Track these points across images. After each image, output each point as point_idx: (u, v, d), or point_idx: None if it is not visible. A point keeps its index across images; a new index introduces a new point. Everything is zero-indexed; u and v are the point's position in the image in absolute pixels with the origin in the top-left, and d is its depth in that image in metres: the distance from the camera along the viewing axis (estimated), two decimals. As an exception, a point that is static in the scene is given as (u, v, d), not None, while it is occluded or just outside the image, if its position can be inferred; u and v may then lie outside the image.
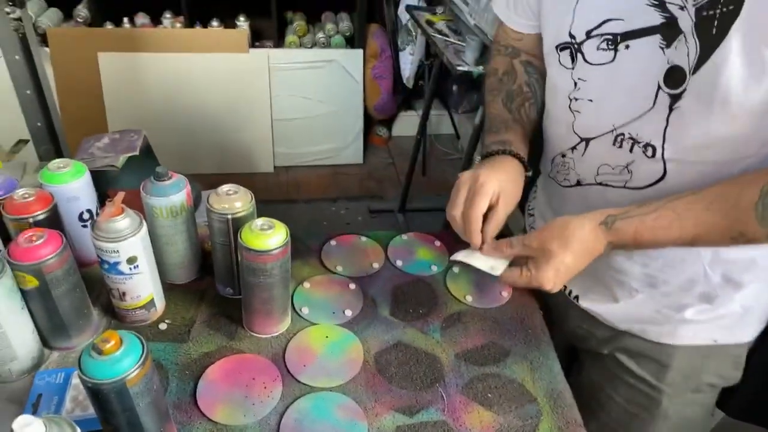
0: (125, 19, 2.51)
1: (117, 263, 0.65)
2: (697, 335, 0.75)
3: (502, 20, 0.86)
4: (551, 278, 0.65)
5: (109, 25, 2.49)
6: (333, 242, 0.90)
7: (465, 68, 1.63)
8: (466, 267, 0.77)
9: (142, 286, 0.69)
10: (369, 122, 2.98)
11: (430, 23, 2.02)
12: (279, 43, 2.61)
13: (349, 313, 0.77)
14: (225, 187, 0.72)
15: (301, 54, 2.62)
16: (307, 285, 0.81)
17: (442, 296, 0.82)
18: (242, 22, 2.55)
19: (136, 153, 1.04)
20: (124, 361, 0.49)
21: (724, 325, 0.75)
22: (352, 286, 0.81)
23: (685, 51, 0.59)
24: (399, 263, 0.86)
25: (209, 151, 2.67)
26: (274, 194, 2.61)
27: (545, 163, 0.85)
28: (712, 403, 0.83)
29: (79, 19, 2.47)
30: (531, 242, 0.67)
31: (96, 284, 0.75)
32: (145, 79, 2.45)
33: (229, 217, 0.71)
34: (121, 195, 0.66)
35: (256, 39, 2.66)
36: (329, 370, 0.68)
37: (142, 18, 2.54)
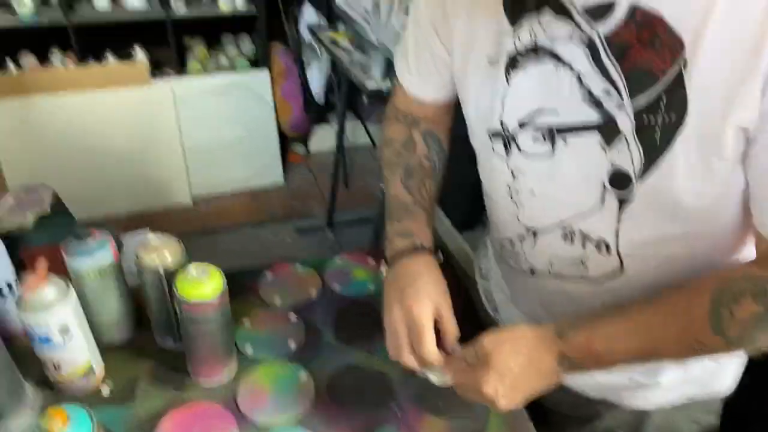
0: (8, 62, 2.35)
1: (48, 335, 0.63)
2: (672, 396, 0.75)
3: (403, 86, 0.81)
4: (492, 384, 0.58)
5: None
6: (268, 275, 0.91)
7: (374, 86, 1.67)
8: None
9: (77, 354, 0.67)
10: (285, 141, 2.97)
11: (334, 42, 2.05)
12: (181, 70, 2.55)
13: (293, 345, 0.78)
14: (151, 237, 0.71)
15: (205, 80, 2.57)
16: (247, 323, 0.82)
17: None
18: (139, 53, 2.47)
19: (46, 209, 1.00)
20: (74, 438, 0.48)
21: (700, 383, 0.75)
22: (293, 317, 0.82)
23: (628, 156, 0.56)
24: (337, 287, 0.88)
25: (122, 190, 2.56)
26: (196, 226, 2.55)
27: (493, 241, 0.83)
28: None
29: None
30: (478, 349, 0.61)
31: (25, 357, 0.71)
32: (41, 124, 2.31)
33: (161, 269, 0.70)
34: (43, 263, 0.64)
35: (156, 69, 2.58)
36: (283, 406, 0.69)
37: (27, 57, 2.39)
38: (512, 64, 0.61)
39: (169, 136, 2.57)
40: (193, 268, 0.67)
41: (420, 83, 0.79)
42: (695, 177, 0.53)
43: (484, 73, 0.65)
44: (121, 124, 2.46)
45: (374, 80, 1.71)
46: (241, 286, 0.88)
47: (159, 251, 0.70)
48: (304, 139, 3.13)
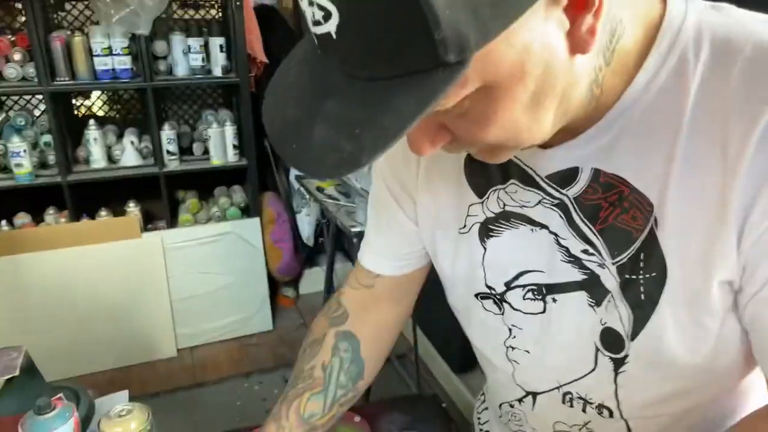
0: (3, 222, 2.40)
1: None
2: None
3: (363, 266, 0.75)
4: None
5: (-16, 230, 2.36)
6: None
7: (358, 229, 1.73)
8: None
9: None
10: (274, 286, 2.95)
11: (320, 189, 2.13)
12: (173, 222, 2.61)
13: None
14: (117, 408, 0.67)
15: (195, 230, 2.62)
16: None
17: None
18: (132, 208, 2.53)
19: (16, 373, 0.95)
20: None
21: None
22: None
23: (617, 315, 0.55)
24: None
25: (105, 346, 2.48)
26: (181, 380, 2.43)
27: (491, 404, 0.78)
28: None
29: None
30: None
31: None
32: (30, 281, 2.30)
33: (125, 443, 0.64)
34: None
35: (149, 221, 2.64)
36: None
37: (22, 218, 2.44)
38: (485, 231, 0.61)
39: (156, 287, 2.56)
40: (159, 441, 0.61)
41: (380, 258, 0.75)
42: (686, 333, 0.52)
43: (456, 241, 0.64)
44: (110, 277, 2.45)
45: (360, 224, 1.77)
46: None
47: (123, 422, 0.65)
48: (295, 283, 3.12)
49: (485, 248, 0.61)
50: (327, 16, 0.36)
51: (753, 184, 0.45)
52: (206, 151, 2.62)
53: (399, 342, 0.80)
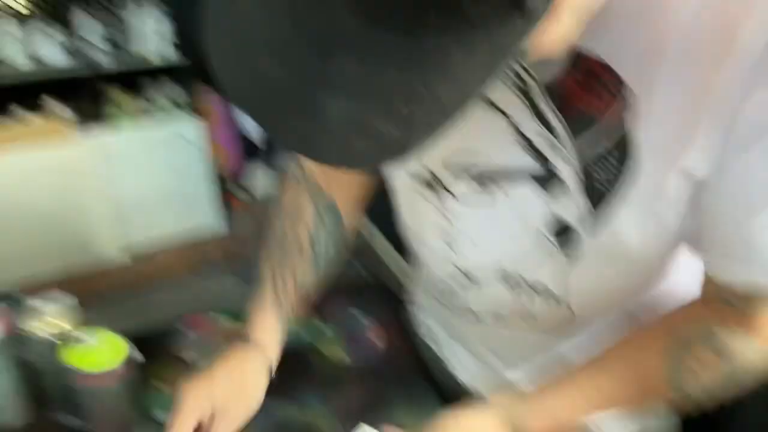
0: None
1: None
2: None
3: None
4: None
5: None
6: (190, 333, 0.84)
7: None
8: (336, 325, 0.74)
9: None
10: (224, 186, 2.88)
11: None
12: (103, 122, 2.46)
13: (218, 406, 0.70)
14: (38, 302, 0.64)
15: (132, 131, 2.48)
16: (164, 388, 0.74)
17: (317, 363, 0.79)
18: (59, 108, 2.36)
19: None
20: None
21: None
22: (217, 375, 0.75)
23: (574, 208, 0.54)
24: (265, 337, 0.82)
25: (47, 252, 2.40)
26: (130, 284, 2.41)
27: (424, 281, 0.77)
28: None
29: None
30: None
31: None
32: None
33: (53, 339, 0.62)
34: None
35: (79, 123, 2.48)
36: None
37: (-64, 122, 2.25)
38: None
39: (97, 191, 2.45)
40: (88, 335, 0.60)
41: None
42: (647, 228, 0.51)
43: None
44: (44, 182, 2.33)
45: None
46: (158, 348, 0.80)
47: (49, 316, 0.62)
48: (244, 183, 3.05)
49: None
50: None
51: (754, 78, 0.43)
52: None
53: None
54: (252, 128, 2.81)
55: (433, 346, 0.85)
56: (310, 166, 0.74)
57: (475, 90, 0.28)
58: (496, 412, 0.57)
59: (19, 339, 0.73)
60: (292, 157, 0.77)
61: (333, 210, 0.72)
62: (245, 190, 3.05)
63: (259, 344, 0.66)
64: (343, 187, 0.73)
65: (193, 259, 2.82)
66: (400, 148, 0.29)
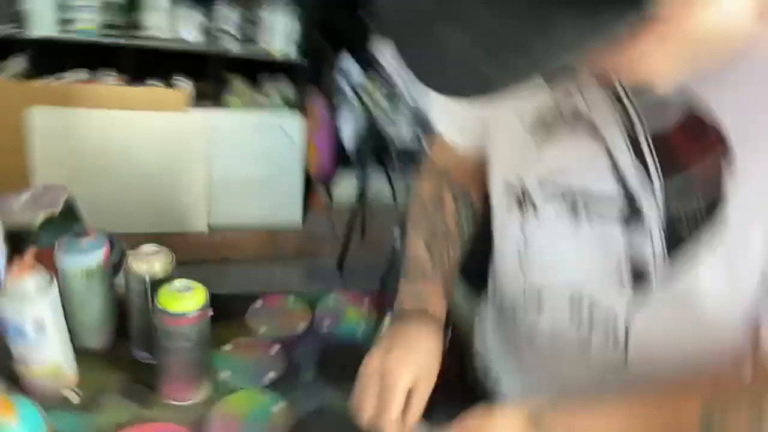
0: (65, 74, 2.47)
1: (21, 327, 0.62)
2: None
3: (439, 131, 0.77)
4: None
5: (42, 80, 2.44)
6: (259, 304, 0.89)
7: (402, 144, 1.70)
8: None
9: (48, 353, 0.65)
10: (310, 185, 3.00)
11: (369, 94, 2.10)
12: (217, 103, 2.64)
13: (271, 377, 0.75)
14: (145, 247, 0.71)
15: (240, 116, 2.65)
16: (227, 348, 0.79)
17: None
18: (183, 82, 2.57)
19: (56, 211, 1.01)
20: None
21: None
22: (275, 349, 0.80)
23: (648, 243, 0.54)
24: (325, 326, 0.86)
25: (142, 210, 2.60)
26: (208, 255, 2.56)
27: (493, 294, 0.82)
28: None
29: (11, 72, 2.41)
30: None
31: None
32: (78, 135, 2.40)
33: (147, 278, 0.69)
34: (31, 252, 0.64)
35: (195, 99, 2.68)
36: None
37: (80, 72, 2.51)
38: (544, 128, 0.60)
39: (197, 165, 2.64)
40: (179, 282, 0.66)
41: (456, 128, 0.75)
42: (722, 280, 0.50)
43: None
44: (153, 146, 2.53)
45: (403, 138, 1.74)
46: (228, 312, 0.86)
47: (148, 260, 0.69)
48: (330, 185, 3.16)
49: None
50: None
51: None
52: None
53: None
54: (348, 138, 2.92)
55: (489, 385, 0.85)
56: (438, 157, 0.81)
57: (567, 56, 0.32)
58: (525, 415, 0.57)
59: (113, 273, 0.81)
60: (425, 158, 0.84)
61: (467, 195, 0.78)
62: (329, 193, 3.16)
63: (433, 315, 0.69)
64: (467, 176, 0.78)
65: (269, 245, 2.95)
66: (486, 86, 0.33)
